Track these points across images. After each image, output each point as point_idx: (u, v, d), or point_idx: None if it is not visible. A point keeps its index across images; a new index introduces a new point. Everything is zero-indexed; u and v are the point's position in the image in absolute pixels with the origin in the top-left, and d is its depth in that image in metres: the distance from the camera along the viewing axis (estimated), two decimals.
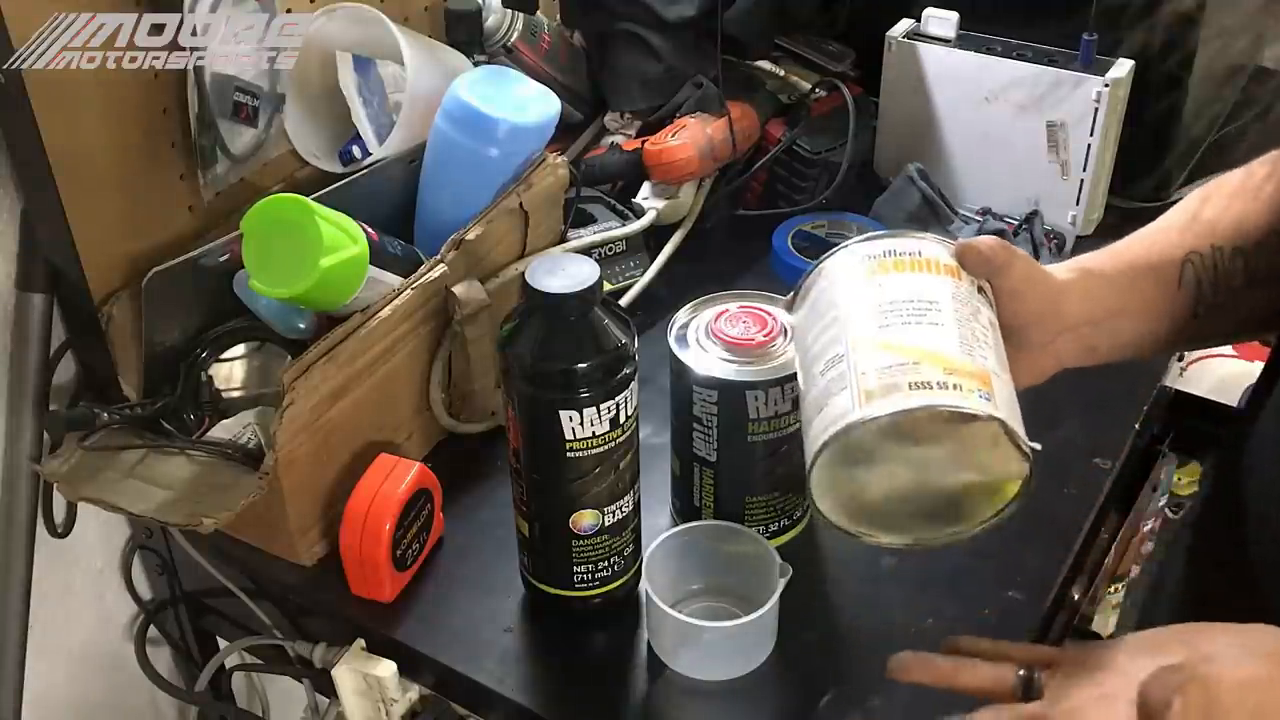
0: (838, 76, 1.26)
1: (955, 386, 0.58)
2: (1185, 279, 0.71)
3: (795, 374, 0.78)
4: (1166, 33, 1.10)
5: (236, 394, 0.92)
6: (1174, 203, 1.26)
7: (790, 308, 0.71)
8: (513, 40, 1.15)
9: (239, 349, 0.94)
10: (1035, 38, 1.15)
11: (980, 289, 0.66)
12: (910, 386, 0.59)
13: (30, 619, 0.95)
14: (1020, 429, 0.60)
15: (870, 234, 0.67)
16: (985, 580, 0.82)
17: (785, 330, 0.81)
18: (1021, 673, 0.61)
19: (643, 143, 1.17)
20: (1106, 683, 0.57)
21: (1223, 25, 1.09)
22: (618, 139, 1.23)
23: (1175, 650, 0.55)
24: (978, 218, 1.17)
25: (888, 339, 0.61)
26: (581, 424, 0.73)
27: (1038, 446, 0.60)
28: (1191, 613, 0.59)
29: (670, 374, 0.83)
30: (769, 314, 0.82)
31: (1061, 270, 0.70)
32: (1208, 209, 0.74)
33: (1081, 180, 1.16)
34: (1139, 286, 0.71)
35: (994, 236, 0.67)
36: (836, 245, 0.68)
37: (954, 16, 1.17)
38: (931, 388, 0.58)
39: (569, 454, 0.74)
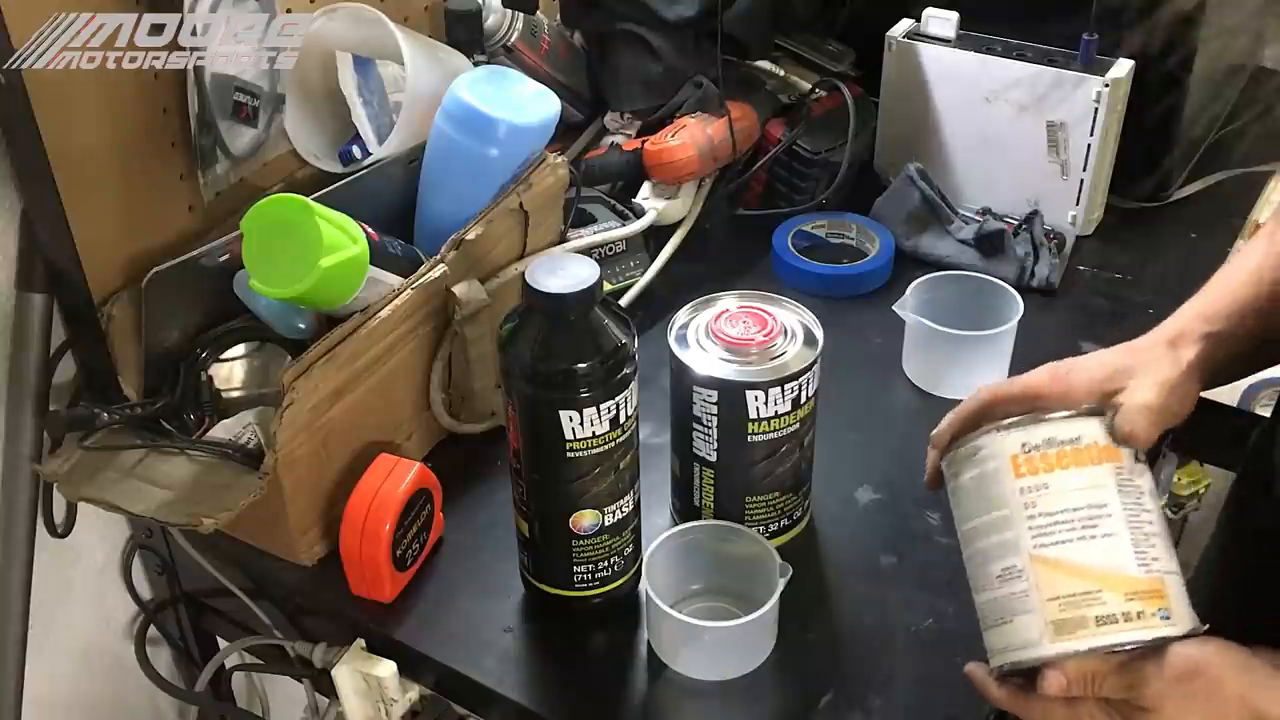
0: (838, 76, 1.26)
1: (1138, 615, 0.62)
2: None
3: (795, 375, 0.79)
4: (1166, 33, 1.10)
5: (236, 394, 0.92)
6: (1173, 203, 1.28)
7: (941, 458, 0.71)
8: (513, 40, 1.15)
9: (239, 349, 0.94)
10: (1035, 38, 1.15)
11: (1136, 455, 0.66)
12: (1096, 622, 0.62)
13: (30, 619, 0.96)
14: (1191, 622, 0.63)
15: (1028, 416, 0.66)
16: None
17: (785, 330, 0.82)
18: None
19: (643, 143, 1.17)
20: None
21: (1223, 25, 1.09)
22: (618, 139, 1.23)
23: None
24: (978, 218, 1.17)
25: (1067, 559, 0.63)
26: (581, 424, 0.73)
27: (1204, 626, 0.64)
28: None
29: (670, 374, 0.83)
30: (769, 314, 0.82)
31: (1191, 339, 0.70)
32: None
33: (1081, 180, 1.16)
34: (1254, 336, 0.72)
35: (1142, 410, 0.66)
36: (992, 427, 0.66)
37: (954, 16, 1.17)
38: (1117, 621, 0.62)
39: (569, 454, 0.74)
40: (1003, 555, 0.65)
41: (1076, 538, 0.63)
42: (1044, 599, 0.63)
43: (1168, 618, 0.62)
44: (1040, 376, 0.71)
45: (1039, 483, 0.64)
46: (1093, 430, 0.65)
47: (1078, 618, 0.62)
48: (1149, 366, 0.68)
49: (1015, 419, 0.65)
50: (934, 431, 0.72)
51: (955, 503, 0.70)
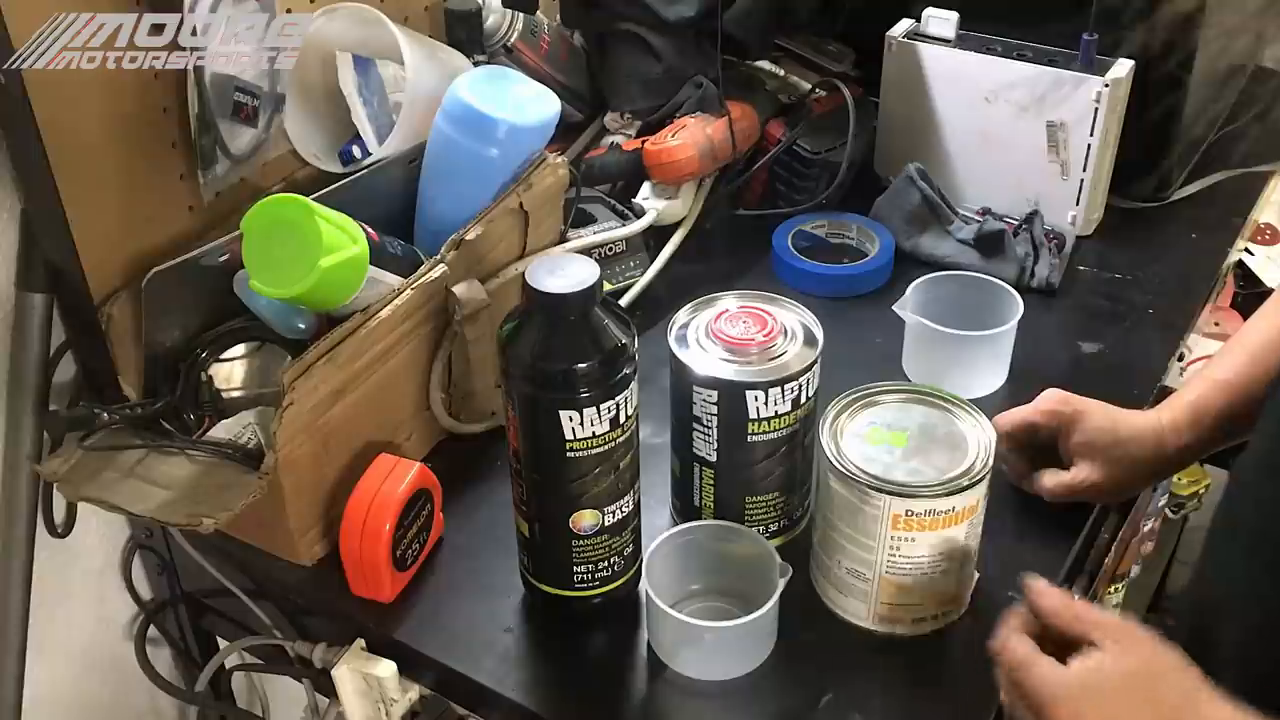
0: (838, 76, 1.26)
1: (941, 615, 0.80)
2: None
3: (795, 375, 0.79)
4: (1166, 33, 1.10)
5: (236, 394, 0.92)
6: (1173, 203, 1.28)
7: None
8: (513, 40, 1.15)
9: (239, 349, 0.94)
10: (1035, 38, 1.15)
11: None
12: (912, 621, 0.79)
13: (30, 619, 0.96)
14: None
15: (926, 482, 0.74)
16: (985, 581, 0.82)
17: (785, 330, 0.82)
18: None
19: (643, 143, 1.17)
20: None
21: (1223, 25, 1.10)
22: (618, 139, 1.23)
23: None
24: (978, 218, 1.17)
25: (906, 585, 0.78)
26: (581, 424, 0.73)
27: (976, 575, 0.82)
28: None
29: (670, 374, 0.83)
30: (769, 314, 0.82)
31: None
32: None
33: (1081, 180, 1.16)
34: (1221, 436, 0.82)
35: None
36: (885, 485, 0.74)
37: (954, 16, 1.17)
38: (924, 620, 0.80)
39: (569, 454, 0.74)
40: (856, 561, 0.78)
41: (920, 573, 0.77)
42: (880, 601, 0.79)
43: (953, 614, 0.80)
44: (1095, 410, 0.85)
45: (908, 537, 0.75)
46: (965, 499, 0.75)
47: (897, 618, 0.79)
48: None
49: (903, 487, 0.74)
50: (998, 417, 0.84)
51: (823, 485, 0.79)
